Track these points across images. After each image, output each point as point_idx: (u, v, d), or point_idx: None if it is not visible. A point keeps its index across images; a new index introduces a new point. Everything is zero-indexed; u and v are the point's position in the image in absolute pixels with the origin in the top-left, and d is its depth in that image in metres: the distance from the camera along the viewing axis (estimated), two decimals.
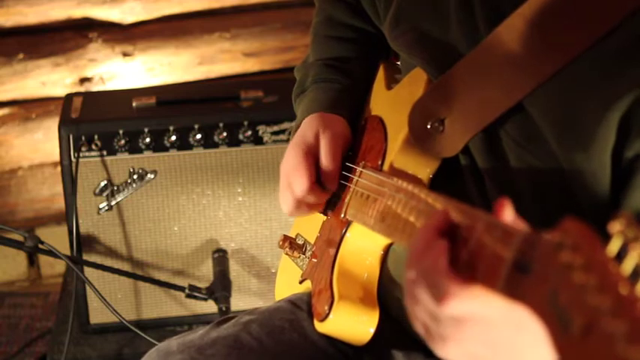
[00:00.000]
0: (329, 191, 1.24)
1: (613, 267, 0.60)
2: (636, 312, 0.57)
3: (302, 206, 1.25)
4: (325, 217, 1.28)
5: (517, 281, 0.70)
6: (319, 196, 1.23)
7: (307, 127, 1.26)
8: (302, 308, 1.26)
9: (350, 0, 1.37)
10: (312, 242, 1.31)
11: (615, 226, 0.62)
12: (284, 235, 1.35)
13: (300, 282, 1.30)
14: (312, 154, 1.23)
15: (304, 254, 1.32)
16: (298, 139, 1.26)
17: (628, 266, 0.60)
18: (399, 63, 1.31)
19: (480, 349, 0.78)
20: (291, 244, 1.32)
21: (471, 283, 0.76)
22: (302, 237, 1.35)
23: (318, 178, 1.24)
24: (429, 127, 1.09)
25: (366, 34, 1.37)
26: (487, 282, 0.74)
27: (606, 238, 0.63)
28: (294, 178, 1.23)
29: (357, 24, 1.37)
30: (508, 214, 0.77)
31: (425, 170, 1.11)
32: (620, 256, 0.61)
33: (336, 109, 1.29)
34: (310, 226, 1.32)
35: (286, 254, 1.35)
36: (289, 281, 1.35)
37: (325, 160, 1.22)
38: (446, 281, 0.77)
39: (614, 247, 0.61)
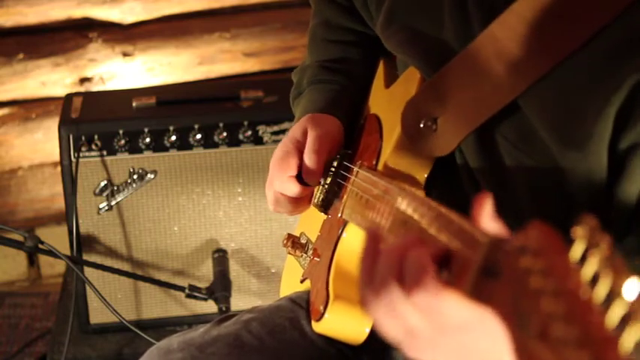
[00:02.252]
0: (309, 187, 1.23)
1: (573, 272, 0.59)
2: (588, 318, 0.56)
3: (281, 200, 1.24)
4: (326, 217, 1.28)
5: (485, 285, 0.69)
6: (297, 189, 1.21)
7: (297, 126, 1.27)
8: (302, 306, 1.26)
9: (345, 3, 1.37)
10: (314, 241, 1.31)
11: (578, 231, 0.60)
12: (288, 233, 1.35)
13: (302, 281, 1.30)
14: (297, 150, 1.23)
15: (306, 253, 1.32)
16: (286, 137, 1.26)
17: (588, 272, 0.59)
18: None
19: (452, 354, 0.77)
20: (294, 243, 1.33)
21: (446, 287, 0.75)
22: (305, 236, 1.35)
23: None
24: (421, 126, 1.08)
25: (364, 36, 1.37)
26: (457, 286, 0.73)
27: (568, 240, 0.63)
28: (274, 172, 1.24)
29: (355, 26, 1.37)
30: (487, 210, 0.76)
31: (419, 170, 1.11)
32: (584, 261, 0.60)
33: (331, 109, 1.29)
34: (313, 225, 1.32)
35: (289, 253, 1.35)
36: (292, 280, 1.35)
37: (306, 155, 1.22)
38: (428, 282, 0.74)
39: (576, 252, 0.60)
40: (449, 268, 0.76)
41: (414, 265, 0.76)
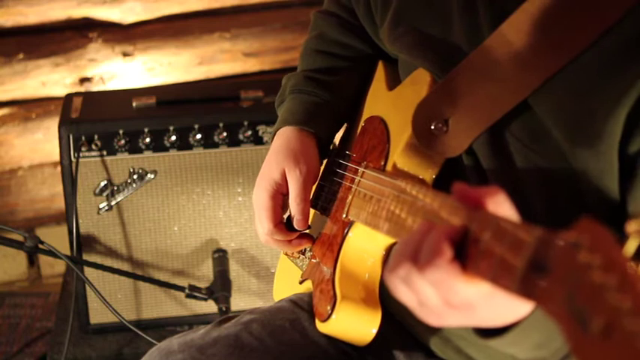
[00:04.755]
0: (297, 231, 1.27)
1: (631, 267, 0.60)
2: None
3: (271, 242, 1.29)
4: (324, 218, 1.28)
5: (533, 281, 0.70)
6: (285, 235, 1.27)
7: (274, 163, 1.28)
8: (303, 308, 1.26)
9: (343, 15, 1.37)
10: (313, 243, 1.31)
11: (632, 226, 0.61)
12: None
13: (301, 282, 1.30)
14: (278, 193, 1.27)
15: (304, 255, 1.32)
16: (265, 176, 1.28)
17: None
18: None
19: (457, 322, 0.85)
20: None
21: (474, 275, 0.79)
22: None
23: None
24: (432, 127, 1.08)
25: (356, 52, 1.37)
26: (501, 281, 0.74)
27: (618, 235, 0.63)
28: (260, 218, 1.27)
29: (349, 42, 1.37)
30: (465, 191, 0.82)
31: (428, 171, 1.11)
32: (638, 256, 0.61)
33: (309, 122, 1.29)
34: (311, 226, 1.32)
35: (286, 255, 1.35)
36: (289, 282, 1.35)
37: (293, 204, 1.26)
38: (447, 269, 0.80)
39: (631, 247, 0.61)
40: (485, 263, 0.78)
41: (429, 246, 0.82)
